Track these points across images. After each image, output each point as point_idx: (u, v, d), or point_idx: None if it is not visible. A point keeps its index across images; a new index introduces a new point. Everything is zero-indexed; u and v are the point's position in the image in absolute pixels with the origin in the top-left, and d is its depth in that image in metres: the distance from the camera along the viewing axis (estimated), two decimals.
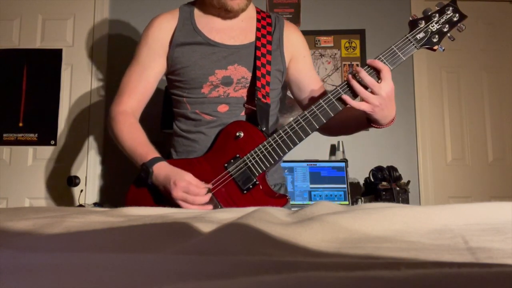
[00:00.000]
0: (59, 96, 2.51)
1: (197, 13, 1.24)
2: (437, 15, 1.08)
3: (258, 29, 1.24)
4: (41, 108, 2.49)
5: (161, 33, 1.21)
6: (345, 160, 2.14)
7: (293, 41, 1.28)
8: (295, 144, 1.09)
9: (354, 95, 1.06)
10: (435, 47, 1.07)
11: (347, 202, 2.05)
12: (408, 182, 2.05)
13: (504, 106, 2.63)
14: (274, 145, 1.09)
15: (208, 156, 1.15)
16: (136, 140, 1.14)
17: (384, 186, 1.98)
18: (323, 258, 0.40)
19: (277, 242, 0.45)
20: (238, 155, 1.11)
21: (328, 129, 1.25)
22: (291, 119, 1.14)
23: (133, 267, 0.31)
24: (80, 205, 2.01)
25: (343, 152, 2.35)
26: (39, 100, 2.50)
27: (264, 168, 1.09)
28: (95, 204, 2.14)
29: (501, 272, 0.25)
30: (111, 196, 2.45)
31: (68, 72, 2.53)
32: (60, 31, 2.56)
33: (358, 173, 2.35)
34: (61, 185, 2.36)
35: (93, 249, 0.43)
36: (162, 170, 1.07)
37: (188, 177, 1.04)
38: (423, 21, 1.08)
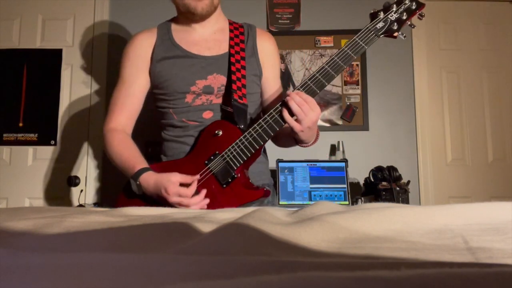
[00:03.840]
0: (59, 96, 2.50)
1: (174, 28, 1.32)
2: (394, 5, 1.16)
3: (231, 39, 1.30)
4: (41, 108, 2.49)
5: (142, 50, 1.28)
6: (345, 160, 2.14)
7: (265, 49, 1.34)
8: (269, 136, 1.14)
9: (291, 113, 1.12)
10: (395, 34, 1.15)
11: (347, 202, 2.05)
12: (408, 182, 2.05)
13: (504, 106, 2.63)
14: (250, 138, 1.13)
15: (191, 156, 1.20)
16: (123, 155, 1.19)
17: (384, 186, 1.98)
18: (323, 258, 0.40)
19: (277, 242, 0.45)
20: (217, 152, 1.16)
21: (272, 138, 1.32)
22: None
23: (133, 267, 0.31)
24: (80, 205, 2.01)
25: (343, 152, 2.35)
26: (39, 100, 2.50)
27: (241, 161, 1.14)
28: (95, 204, 2.14)
29: (501, 272, 0.25)
30: (111, 196, 2.45)
31: (68, 72, 2.53)
32: (60, 31, 2.56)
33: (358, 173, 2.35)
34: (61, 185, 2.36)
35: (93, 249, 0.43)
36: (150, 179, 1.11)
37: (174, 177, 1.08)
38: (382, 12, 1.17)
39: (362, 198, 2.10)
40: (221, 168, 1.14)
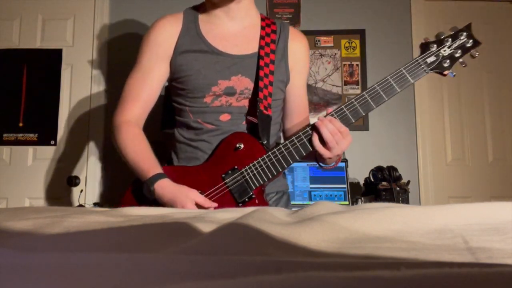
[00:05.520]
0: (59, 96, 2.51)
1: (201, 18, 1.21)
2: (450, 39, 1.06)
3: (261, 37, 1.20)
4: (41, 108, 2.49)
5: (164, 38, 1.17)
6: (345, 160, 2.14)
7: (296, 53, 1.24)
8: (294, 160, 1.08)
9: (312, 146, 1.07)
10: (445, 72, 1.06)
11: (347, 202, 2.05)
12: (408, 182, 2.05)
13: (504, 106, 2.63)
14: (274, 159, 1.08)
15: (206, 165, 1.13)
16: (138, 155, 1.12)
17: (384, 186, 1.98)
18: (323, 258, 0.40)
19: (277, 242, 0.45)
20: (236, 167, 1.09)
21: None
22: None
23: (133, 267, 0.31)
24: (80, 205, 2.01)
25: (343, 152, 2.35)
26: (39, 100, 2.50)
27: (262, 182, 1.08)
28: (95, 204, 2.14)
29: (501, 272, 0.25)
30: (111, 196, 2.45)
31: (68, 72, 2.53)
32: (60, 31, 2.56)
33: (358, 173, 2.35)
34: (61, 185, 2.36)
35: (93, 249, 0.43)
36: (166, 189, 1.04)
37: (193, 195, 1.03)
38: (435, 45, 1.06)
39: (362, 198, 2.10)
40: (238, 185, 1.08)
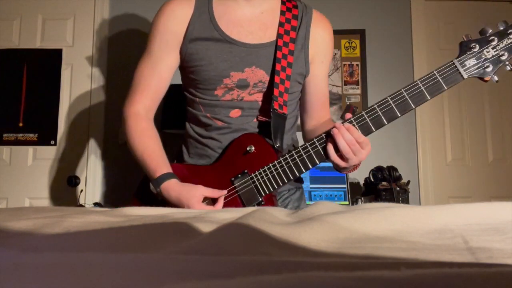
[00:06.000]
0: (59, 96, 2.50)
1: (215, 1, 1.11)
2: (496, 38, 0.89)
3: (281, 24, 1.10)
4: (41, 108, 2.49)
5: (174, 23, 1.08)
6: None
7: (317, 40, 1.14)
8: (307, 169, 1.00)
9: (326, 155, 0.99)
10: (487, 78, 0.90)
11: (347, 202, 2.05)
12: (408, 182, 2.05)
13: (504, 106, 2.63)
14: (285, 166, 1.01)
15: (216, 166, 1.09)
16: (146, 151, 1.07)
17: (384, 186, 1.98)
18: (323, 258, 0.40)
19: (277, 242, 0.45)
20: (246, 171, 1.04)
21: None
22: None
23: (133, 267, 0.31)
24: (80, 205, 2.01)
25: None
26: (39, 100, 2.50)
27: (272, 189, 1.02)
28: (95, 204, 2.14)
29: (501, 272, 0.25)
30: (111, 196, 2.45)
31: (68, 72, 2.53)
32: (60, 31, 2.56)
33: (358, 173, 2.35)
34: (61, 185, 2.36)
35: (93, 249, 0.43)
36: (172, 191, 1.01)
37: (198, 192, 0.99)
38: (477, 45, 0.90)
39: (362, 198, 2.10)
40: (247, 190, 1.03)
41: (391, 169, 2.04)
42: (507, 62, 0.89)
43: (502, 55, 0.89)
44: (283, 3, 1.14)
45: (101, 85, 2.53)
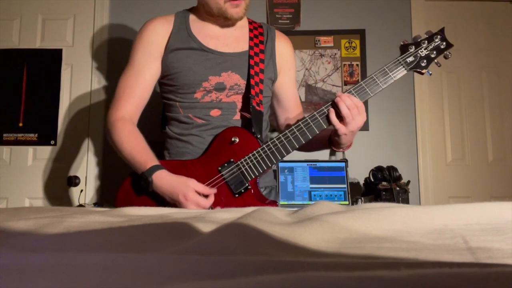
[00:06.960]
0: (59, 96, 2.50)
1: (192, 18, 1.27)
2: (426, 41, 1.17)
3: (251, 38, 1.26)
4: (41, 108, 2.49)
5: (156, 37, 1.21)
6: (345, 160, 2.14)
7: (282, 53, 1.32)
8: (288, 152, 1.12)
9: (329, 121, 1.12)
10: (423, 71, 1.15)
11: (347, 202, 2.05)
12: (408, 182, 2.05)
13: (504, 106, 2.63)
14: (268, 152, 1.12)
15: (202, 159, 1.16)
16: (134, 148, 1.14)
17: (384, 186, 1.98)
18: (323, 258, 0.40)
19: (277, 242, 0.45)
20: (232, 160, 1.13)
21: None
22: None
23: (133, 267, 0.31)
24: (80, 205, 2.01)
25: (343, 152, 2.35)
26: (39, 100, 2.50)
27: (257, 174, 1.12)
28: (95, 204, 2.14)
29: (501, 272, 0.25)
30: (111, 196, 2.44)
31: (68, 72, 2.53)
32: (60, 31, 2.56)
33: (358, 173, 2.35)
34: (61, 185, 2.35)
35: (93, 249, 0.43)
36: (165, 180, 1.06)
37: (193, 184, 1.05)
38: (413, 46, 1.16)
39: (362, 198, 2.10)
40: (234, 177, 1.11)
41: (391, 169, 2.04)
42: (436, 60, 1.16)
43: (432, 53, 1.16)
44: (249, 23, 1.32)
45: (101, 85, 2.53)
